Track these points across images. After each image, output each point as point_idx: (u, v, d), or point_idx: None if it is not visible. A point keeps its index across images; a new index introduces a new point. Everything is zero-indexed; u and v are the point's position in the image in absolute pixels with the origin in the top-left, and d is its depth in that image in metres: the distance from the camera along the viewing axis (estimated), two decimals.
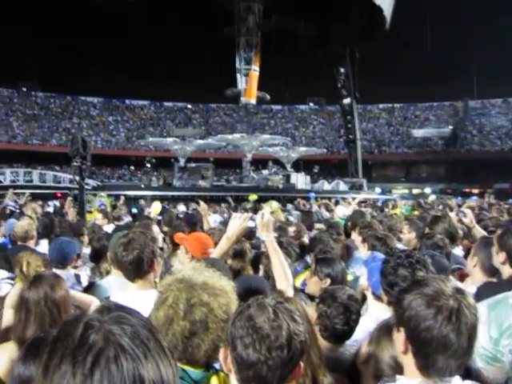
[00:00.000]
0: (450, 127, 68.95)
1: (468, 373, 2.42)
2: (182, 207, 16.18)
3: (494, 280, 3.54)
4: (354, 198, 14.68)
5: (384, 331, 2.38)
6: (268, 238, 3.36)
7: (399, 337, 1.84)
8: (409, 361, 1.83)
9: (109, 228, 8.46)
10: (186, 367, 1.92)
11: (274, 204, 13.47)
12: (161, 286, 2.14)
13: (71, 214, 10.82)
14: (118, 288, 3.67)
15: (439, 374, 1.75)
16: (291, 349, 1.59)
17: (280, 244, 3.70)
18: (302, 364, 1.68)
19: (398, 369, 2.16)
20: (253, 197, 19.53)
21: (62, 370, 0.86)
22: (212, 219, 10.23)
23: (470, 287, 3.57)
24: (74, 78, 61.35)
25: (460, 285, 3.62)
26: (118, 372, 0.87)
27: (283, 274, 3.25)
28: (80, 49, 61.37)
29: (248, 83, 40.69)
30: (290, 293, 3.14)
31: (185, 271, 2.14)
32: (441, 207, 15.63)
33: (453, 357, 1.73)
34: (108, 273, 4.55)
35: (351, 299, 3.04)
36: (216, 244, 4.90)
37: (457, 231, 4.86)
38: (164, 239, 7.17)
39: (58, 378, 0.86)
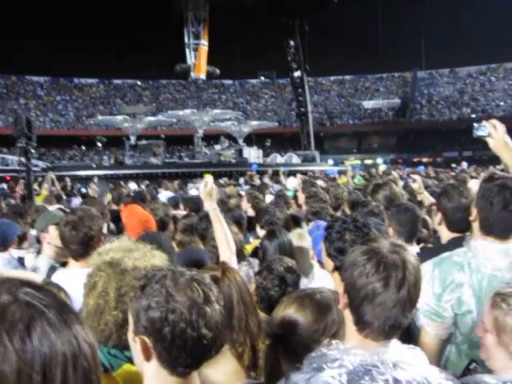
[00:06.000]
0: (399, 98, 70.00)
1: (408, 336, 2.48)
2: (132, 185, 15.99)
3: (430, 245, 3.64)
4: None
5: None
6: (211, 207, 3.32)
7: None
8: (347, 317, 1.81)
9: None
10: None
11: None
12: (89, 268, 2.08)
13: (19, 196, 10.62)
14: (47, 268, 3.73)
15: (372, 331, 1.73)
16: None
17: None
18: None
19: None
20: (208, 176, 19.51)
21: None
22: (163, 196, 10.18)
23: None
24: (18, 58, 59.61)
25: None
26: (56, 335, 0.86)
27: (226, 243, 3.22)
28: (21, 27, 59.63)
29: (197, 58, 40.27)
30: (233, 261, 3.12)
31: (113, 252, 2.06)
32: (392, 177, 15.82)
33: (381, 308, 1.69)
34: None
35: (288, 271, 3.01)
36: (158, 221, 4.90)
37: (398, 198, 4.91)
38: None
39: None
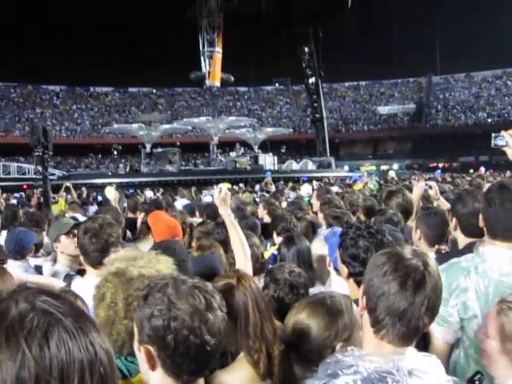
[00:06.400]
0: (414, 103, 69.65)
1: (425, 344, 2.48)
2: (149, 193, 16.08)
3: (444, 249, 3.64)
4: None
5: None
6: (225, 213, 3.29)
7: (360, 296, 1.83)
8: (365, 321, 1.81)
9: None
10: None
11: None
12: (97, 279, 2.10)
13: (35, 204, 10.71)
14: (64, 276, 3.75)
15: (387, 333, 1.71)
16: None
17: None
18: None
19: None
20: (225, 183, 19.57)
21: (12, 344, 0.84)
22: (179, 204, 10.21)
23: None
24: (35, 67, 60.18)
25: None
26: (73, 342, 0.87)
27: (241, 250, 3.20)
28: (38, 37, 60.25)
29: (212, 66, 40.43)
30: (248, 268, 3.11)
31: (118, 262, 2.09)
32: (408, 182, 15.69)
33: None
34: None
35: (293, 275, 3.00)
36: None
37: (412, 205, 4.90)
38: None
39: (7, 355, 0.84)
